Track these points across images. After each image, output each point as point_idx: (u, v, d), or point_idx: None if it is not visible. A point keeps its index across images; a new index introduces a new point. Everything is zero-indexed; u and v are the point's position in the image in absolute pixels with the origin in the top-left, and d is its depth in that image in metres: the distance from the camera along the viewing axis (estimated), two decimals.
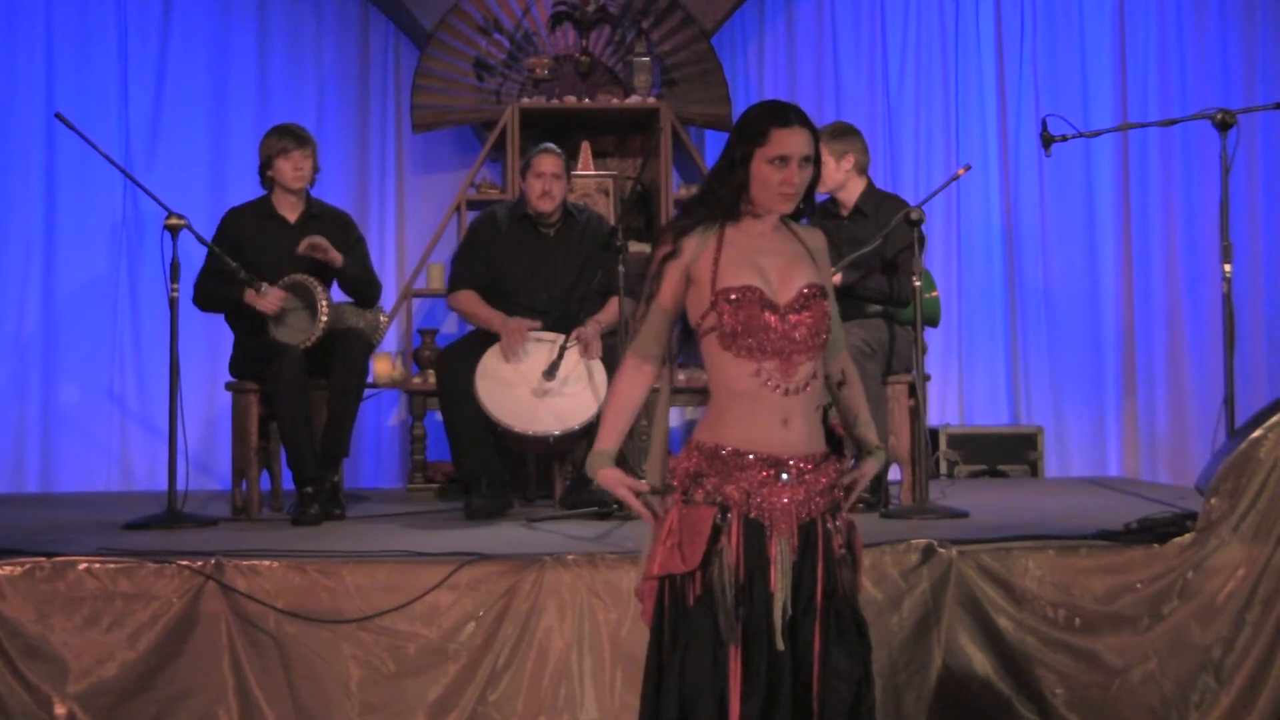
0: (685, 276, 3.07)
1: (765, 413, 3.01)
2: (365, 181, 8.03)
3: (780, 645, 2.97)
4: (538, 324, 5.88)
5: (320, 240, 5.82)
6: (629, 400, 3.15)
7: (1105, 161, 8.25)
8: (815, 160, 3.12)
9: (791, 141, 3.06)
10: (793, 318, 3.02)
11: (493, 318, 5.91)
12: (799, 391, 3.02)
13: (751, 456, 3.01)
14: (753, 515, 3.00)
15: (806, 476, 3.02)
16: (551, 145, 6.13)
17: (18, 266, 7.68)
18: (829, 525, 3.05)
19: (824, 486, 3.05)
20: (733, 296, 3.01)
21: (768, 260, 3.06)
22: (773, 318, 3.01)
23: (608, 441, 3.13)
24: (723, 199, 3.09)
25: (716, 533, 3.00)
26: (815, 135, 3.11)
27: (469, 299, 6.03)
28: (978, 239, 8.27)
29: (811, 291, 3.05)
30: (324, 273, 5.89)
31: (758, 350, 3.00)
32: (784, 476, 3.01)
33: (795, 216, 3.16)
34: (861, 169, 5.96)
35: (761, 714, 2.97)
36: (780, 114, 3.09)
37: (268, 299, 5.75)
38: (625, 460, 3.28)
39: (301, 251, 5.79)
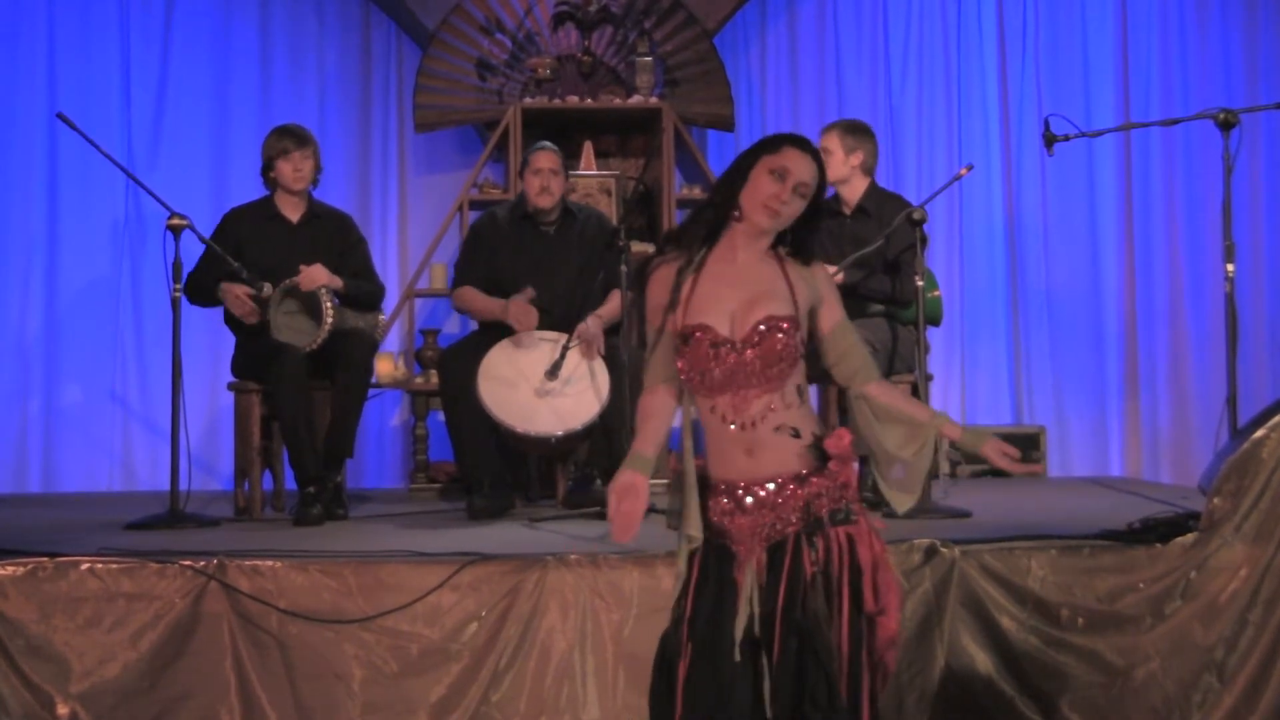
0: (671, 304, 3.11)
1: (729, 444, 3.06)
2: (367, 181, 8.02)
3: (736, 656, 2.99)
4: (537, 309, 5.87)
5: (318, 274, 5.82)
6: (658, 412, 3.14)
7: (1107, 161, 8.24)
8: (814, 206, 3.14)
9: (799, 163, 3.09)
10: (749, 352, 3.04)
11: (494, 306, 5.93)
12: (755, 425, 3.04)
13: (719, 484, 3.06)
14: (716, 539, 3.06)
15: (777, 499, 3.04)
16: (547, 143, 6.18)
17: (20, 267, 7.68)
18: (803, 544, 3.03)
19: (798, 505, 3.05)
20: (686, 336, 3.06)
21: (735, 292, 3.08)
22: (721, 353, 3.04)
23: (644, 446, 3.10)
24: (716, 202, 3.13)
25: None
26: (822, 178, 3.13)
27: (470, 294, 6.05)
28: (980, 239, 8.26)
29: (768, 325, 3.05)
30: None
31: (705, 387, 3.05)
32: (748, 501, 3.04)
33: (805, 260, 3.16)
34: (868, 169, 5.98)
35: None
36: (801, 140, 3.14)
37: (244, 307, 5.77)
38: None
39: (302, 285, 5.77)
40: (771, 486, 3.04)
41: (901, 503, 3.17)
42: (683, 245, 3.15)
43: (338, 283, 5.87)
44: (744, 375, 3.04)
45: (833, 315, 3.16)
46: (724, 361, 3.03)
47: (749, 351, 3.04)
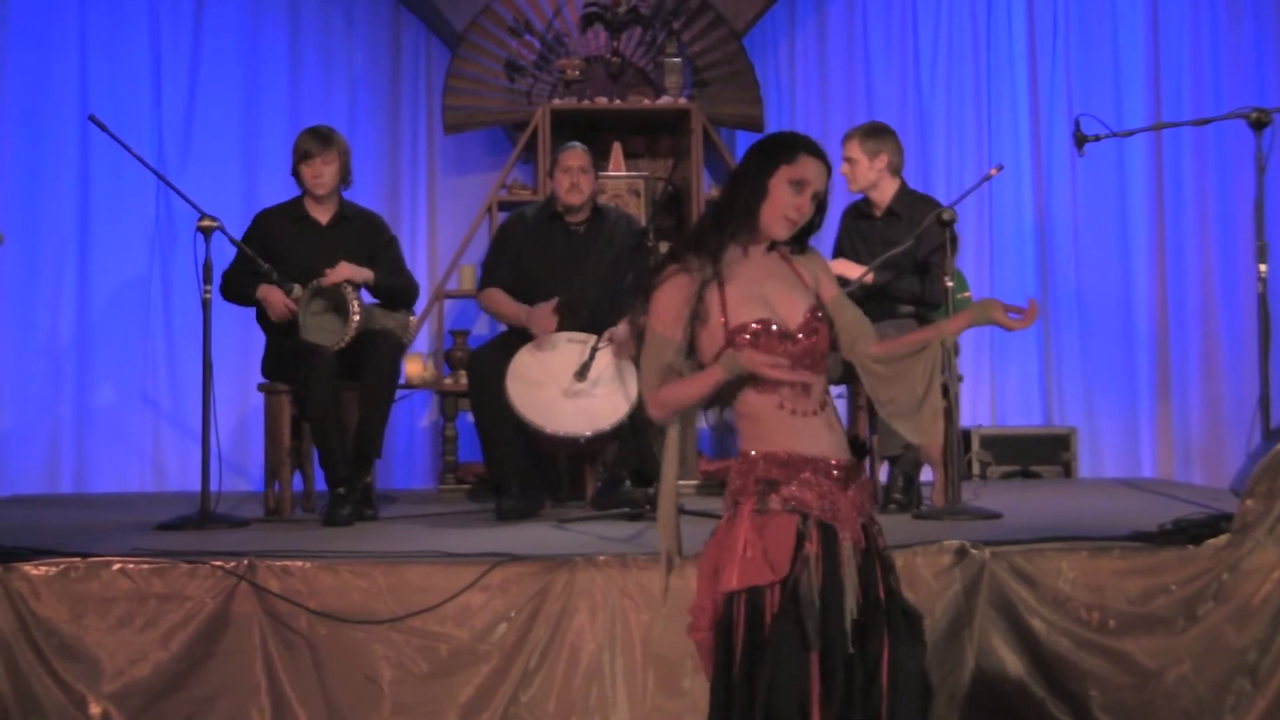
0: (692, 316, 3.09)
1: (809, 426, 3.06)
2: (397, 183, 8.04)
3: (850, 648, 2.98)
4: (556, 313, 5.86)
5: (344, 270, 5.82)
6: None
7: (1138, 161, 8.20)
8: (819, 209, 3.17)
9: (815, 171, 3.12)
10: (806, 341, 3.08)
11: (519, 312, 5.94)
12: (820, 410, 3.08)
13: (813, 465, 3.05)
14: (825, 519, 3.03)
15: (857, 479, 3.10)
16: (576, 142, 6.23)
17: (52, 268, 7.72)
18: (874, 528, 3.11)
19: (867, 490, 3.13)
20: (748, 335, 3.04)
21: (769, 287, 3.12)
22: (788, 345, 3.05)
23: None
24: (737, 210, 3.12)
25: (799, 539, 3.01)
26: (829, 180, 3.17)
27: (496, 297, 6.06)
28: (1010, 239, 8.24)
29: (817, 314, 3.11)
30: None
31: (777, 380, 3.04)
32: (848, 479, 3.06)
33: (801, 250, 3.22)
34: (895, 170, 5.96)
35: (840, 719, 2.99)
36: (812, 144, 3.16)
37: (277, 307, 5.77)
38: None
39: (328, 284, 5.79)
40: (854, 467, 3.09)
41: (932, 434, 3.19)
42: (704, 254, 3.13)
43: (366, 274, 5.87)
44: (809, 362, 3.07)
45: (831, 290, 3.21)
46: (790, 352, 3.05)
47: (806, 339, 3.08)
